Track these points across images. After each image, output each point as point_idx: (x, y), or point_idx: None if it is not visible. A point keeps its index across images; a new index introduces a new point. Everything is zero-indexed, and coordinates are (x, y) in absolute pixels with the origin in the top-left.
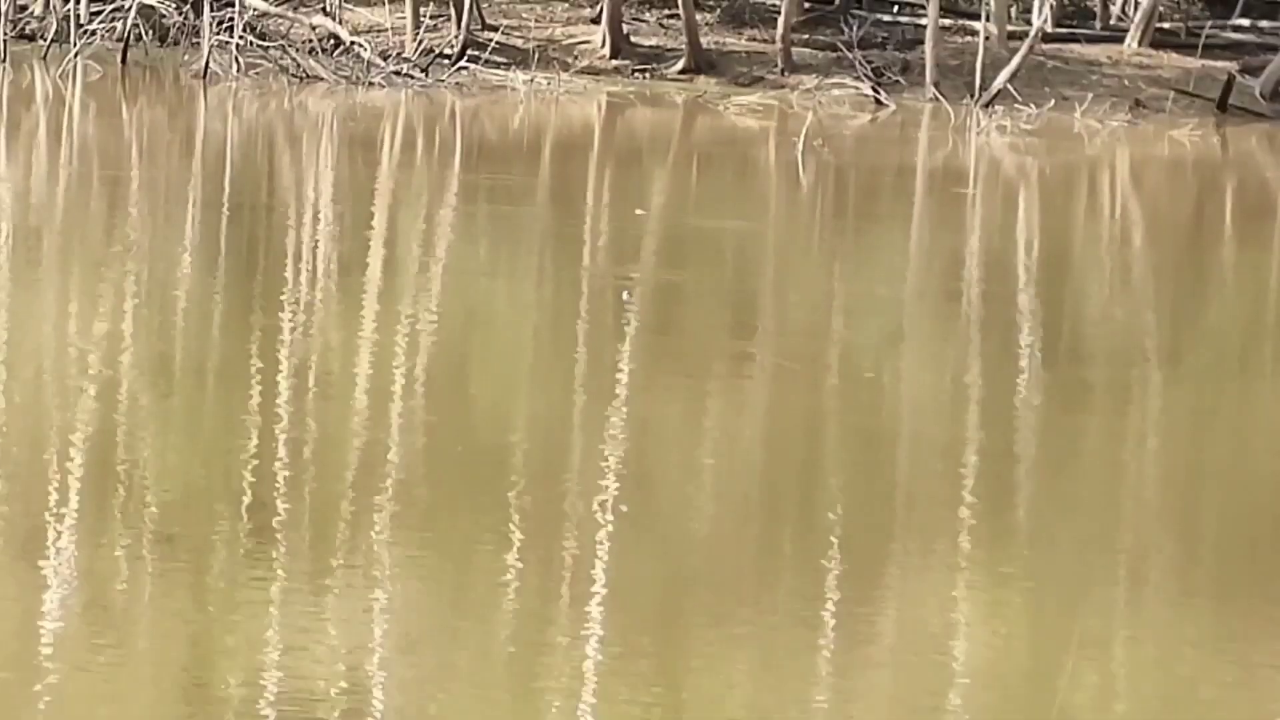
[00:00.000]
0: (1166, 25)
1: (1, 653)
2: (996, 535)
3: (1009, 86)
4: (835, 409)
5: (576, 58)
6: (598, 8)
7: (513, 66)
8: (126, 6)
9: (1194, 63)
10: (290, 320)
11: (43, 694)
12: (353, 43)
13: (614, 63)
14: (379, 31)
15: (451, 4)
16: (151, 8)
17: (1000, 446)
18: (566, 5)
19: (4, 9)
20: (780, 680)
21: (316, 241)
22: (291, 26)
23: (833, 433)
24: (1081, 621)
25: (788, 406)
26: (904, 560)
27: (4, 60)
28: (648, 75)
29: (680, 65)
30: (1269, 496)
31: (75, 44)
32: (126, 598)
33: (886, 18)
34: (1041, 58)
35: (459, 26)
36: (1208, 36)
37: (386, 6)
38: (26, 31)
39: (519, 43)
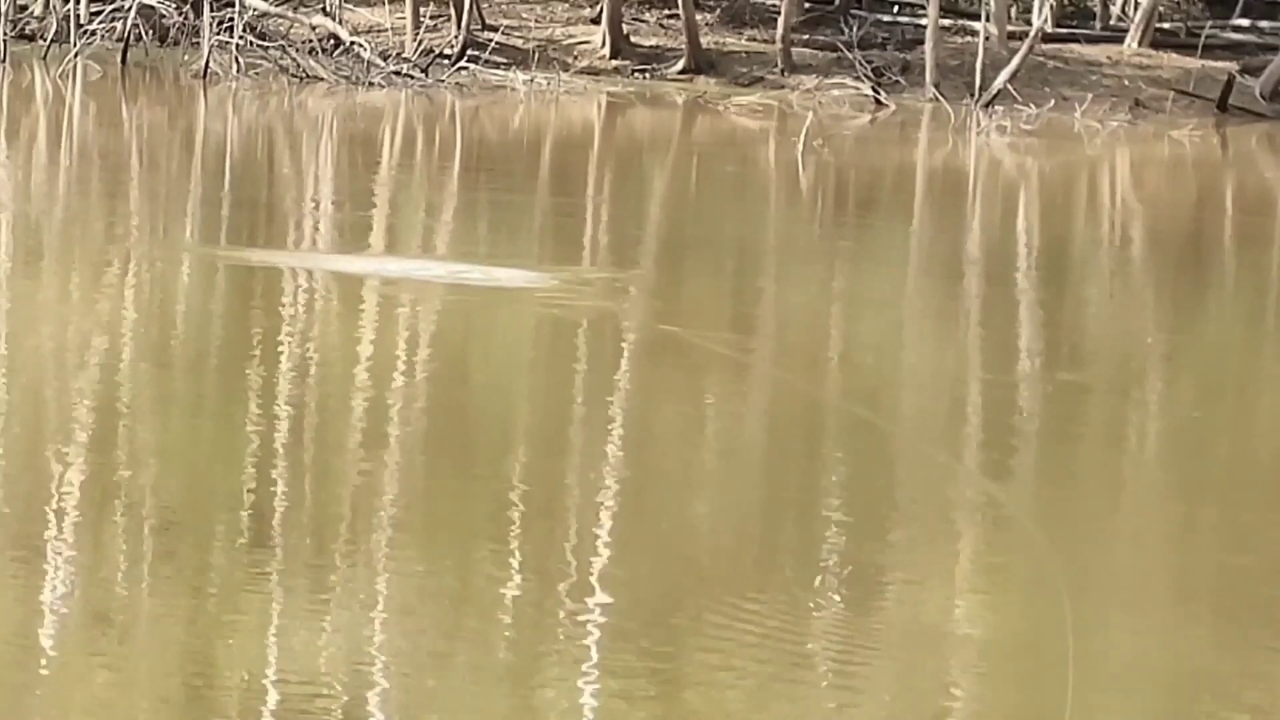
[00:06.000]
0: (1166, 25)
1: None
2: (997, 536)
3: (1009, 87)
4: (833, 409)
5: (576, 58)
6: (598, 8)
7: (513, 66)
8: (126, 6)
9: (1194, 63)
10: (290, 318)
11: (41, 694)
12: (353, 43)
13: (614, 63)
14: (379, 31)
15: (451, 4)
16: (151, 8)
17: (1000, 446)
18: (566, 5)
19: (4, 9)
20: (780, 683)
21: (316, 240)
22: (291, 26)
23: (832, 434)
24: (1088, 623)
25: (784, 406)
26: (905, 560)
27: (4, 60)
28: (648, 75)
29: (680, 65)
30: (1268, 491)
31: (75, 44)
32: (126, 600)
33: (886, 18)
34: (1041, 58)
35: (459, 26)
36: (1208, 37)
37: (386, 6)
38: (26, 31)
39: (519, 43)
